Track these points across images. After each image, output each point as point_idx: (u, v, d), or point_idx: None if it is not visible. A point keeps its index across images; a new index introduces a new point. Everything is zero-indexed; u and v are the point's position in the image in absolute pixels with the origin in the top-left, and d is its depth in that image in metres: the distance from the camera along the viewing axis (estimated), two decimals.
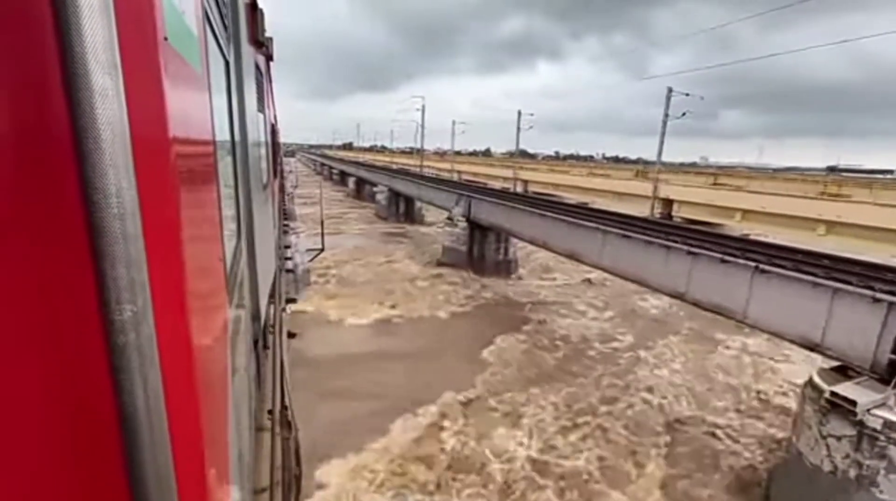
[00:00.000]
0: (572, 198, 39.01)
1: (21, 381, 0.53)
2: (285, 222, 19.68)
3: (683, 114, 27.33)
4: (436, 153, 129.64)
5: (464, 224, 23.20)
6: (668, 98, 26.99)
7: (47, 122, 0.50)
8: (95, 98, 0.49)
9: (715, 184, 44.92)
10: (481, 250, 23.62)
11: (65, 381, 0.56)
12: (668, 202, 28.15)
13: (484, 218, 22.48)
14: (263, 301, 3.44)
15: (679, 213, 27.84)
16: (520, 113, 43.56)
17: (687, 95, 27.10)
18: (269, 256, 4.29)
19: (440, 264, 24.69)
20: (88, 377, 0.57)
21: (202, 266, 1.04)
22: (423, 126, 42.78)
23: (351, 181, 57.92)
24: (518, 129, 43.86)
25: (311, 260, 24.14)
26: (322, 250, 18.68)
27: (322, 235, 19.53)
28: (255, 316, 3.00)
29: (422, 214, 42.19)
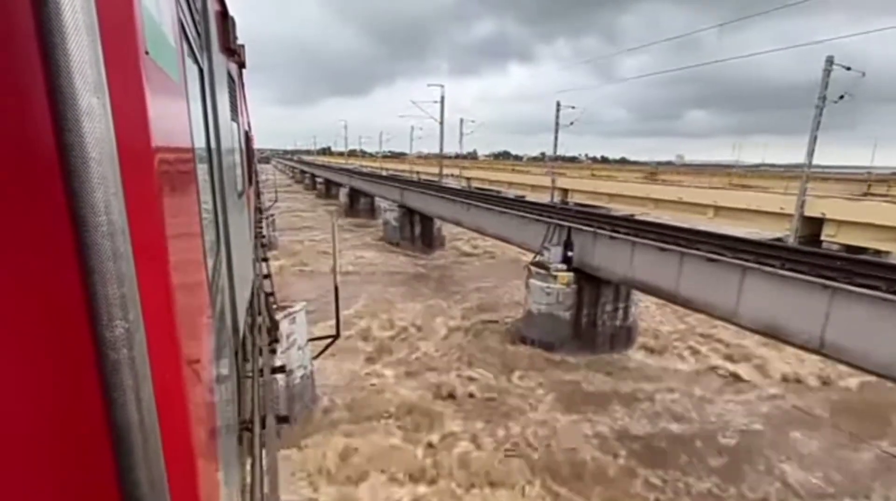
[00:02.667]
0: (620, 210, 30.89)
1: (13, 399, 0.53)
2: (269, 292, 10.13)
3: (842, 97, 19.20)
4: (419, 157, 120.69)
5: (568, 276, 14.11)
6: (828, 72, 18.68)
7: (34, 141, 0.50)
8: (81, 116, 0.49)
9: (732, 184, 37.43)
10: (592, 316, 14.61)
11: (58, 398, 0.56)
12: (815, 221, 19.93)
13: (611, 270, 13.43)
14: (241, 312, 3.33)
15: (836, 237, 19.70)
16: (559, 105, 34.98)
17: (848, 69, 18.94)
18: (246, 266, 4.22)
19: (524, 339, 15.41)
20: (82, 394, 0.57)
21: (188, 280, 1.04)
22: (442, 122, 33.57)
23: (342, 193, 48.12)
24: (557, 124, 35.25)
25: (317, 356, 13.66)
26: (337, 336, 10.16)
27: (337, 313, 10.39)
28: (234, 328, 2.85)
29: (442, 235, 32.86)
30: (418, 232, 31.59)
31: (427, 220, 31.46)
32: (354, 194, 46.66)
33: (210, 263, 1.61)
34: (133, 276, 0.56)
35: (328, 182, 61.77)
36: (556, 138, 35.61)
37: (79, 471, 0.59)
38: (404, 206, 30.96)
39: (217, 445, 1.32)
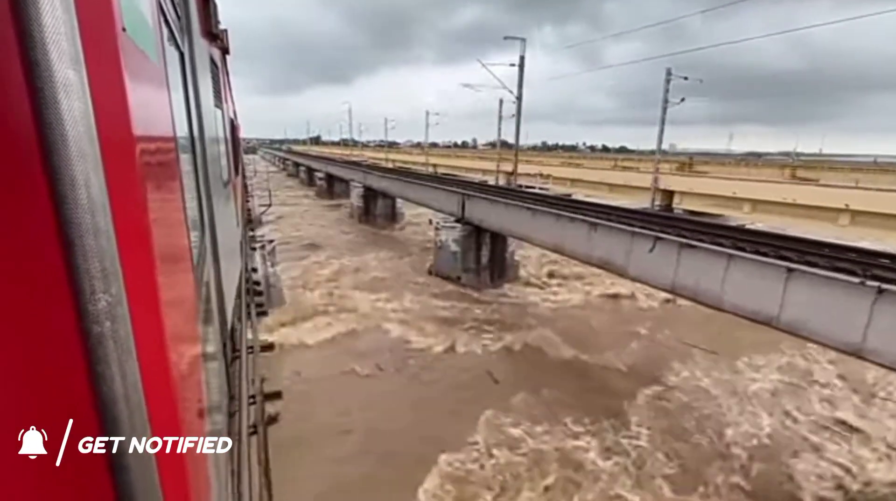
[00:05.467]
0: (761, 221, 21.86)
1: None
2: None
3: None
4: (412, 146, 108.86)
5: None
6: None
7: (9, 116, 0.49)
8: (59, 90, 0.49)
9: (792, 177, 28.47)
10: None
11: (42, 372, 0.56)
12: None
13: None
14: (230, 300, 3.21)
15: None
16: (669, 73, 24.85)
17: None
18: (233, 255, 4.22)
19: None
20: (65, 368, 0.57)
21: (172, 259, 1.04)
22: (519, 97, 22.97)
23: (354, 195, 37.47)
24: (665, 102, 25.12)
25: None
26: None
27: None
28: (222, 316, 2.77)
29: (515, 260, 22.76)
30: (486, 260, 21.35)
31: (497, 240, 21.24)
32: (370, 194, 36.21)
33: (195, 246, 1.56)
34: (115, 251, 0.56)
35: (330, 178, 50.91)
36: (662, 120, 25.55)
37: (66, 445, 0.57)
38: (469, 222, 20.64)
39: (203, 420, 1.30)
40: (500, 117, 43.39)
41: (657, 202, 26.80)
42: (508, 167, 44.44)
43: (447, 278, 21.01)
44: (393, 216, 36.99)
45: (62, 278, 0.54)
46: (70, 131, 0.49)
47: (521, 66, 21.84)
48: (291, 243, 29.24)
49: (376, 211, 36.67)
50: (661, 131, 25.60)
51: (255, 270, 15.46)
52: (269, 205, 32.21)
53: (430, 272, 22.01)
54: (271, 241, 17.61)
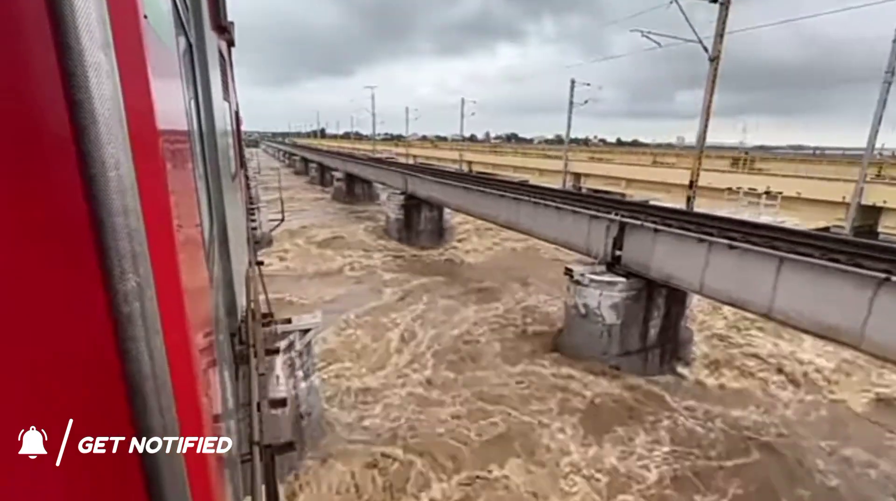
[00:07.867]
0: None
1: (33, 352, 0.54)
2: None
3: None
4: (418, 140, 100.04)
5: None
6: None
7: (43, 98, 0.50)
8: (90, 73, 0.49)
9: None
10: None
11: (73, 351, 0.57)
12: None
13: None
14: (239, 294, 3.18)
15: None
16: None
17: None
18: (240, 247, 4.19)
19: None
20: (96, 346, 0.58)
21: (190, 243, 1.04)
22: (715, 57, 13.18)
23: (392, 205, 28.70)
24: (891, 73, 16.23)
25: None
26: None
27: None
28: (231, 307, 2.74)
29: (688, 329, 14.00)
30: (655, 333, 12.70)
31: (674, 302, 12.64)
32: (412, 204, 27.55)
33: (206, 229, 1.55)
34: (143, 231, 0.56)
35: (350, 178, 42.08)
36: (882, 103, 16.75)
37: (95, 421, 0.58)
38: (634, 273, 11.96)
39: (220, 398, 1.33)
40: (572, 103, 34.50)
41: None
42: (576, 166, 35.46)
43: (591, 364, 12.32)
44: (440, 233, 28.35)
45: (93, 257, 0.53)
46: (101, 114, 0.50)
47: (727, 3, 13.05)
48: (307, 274, 20.67)
49: (419, 226, 28.00)
50: (880, 117, 16.79)
51: (280, 404, 6.87)
52: (282, 219, 22.99)
53: (555, 349, 13.34)
54: (306, 331, 8.92)
